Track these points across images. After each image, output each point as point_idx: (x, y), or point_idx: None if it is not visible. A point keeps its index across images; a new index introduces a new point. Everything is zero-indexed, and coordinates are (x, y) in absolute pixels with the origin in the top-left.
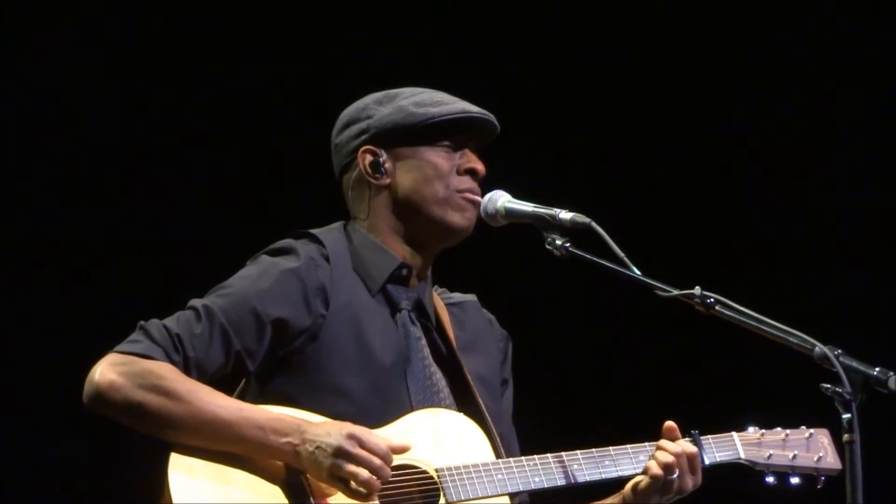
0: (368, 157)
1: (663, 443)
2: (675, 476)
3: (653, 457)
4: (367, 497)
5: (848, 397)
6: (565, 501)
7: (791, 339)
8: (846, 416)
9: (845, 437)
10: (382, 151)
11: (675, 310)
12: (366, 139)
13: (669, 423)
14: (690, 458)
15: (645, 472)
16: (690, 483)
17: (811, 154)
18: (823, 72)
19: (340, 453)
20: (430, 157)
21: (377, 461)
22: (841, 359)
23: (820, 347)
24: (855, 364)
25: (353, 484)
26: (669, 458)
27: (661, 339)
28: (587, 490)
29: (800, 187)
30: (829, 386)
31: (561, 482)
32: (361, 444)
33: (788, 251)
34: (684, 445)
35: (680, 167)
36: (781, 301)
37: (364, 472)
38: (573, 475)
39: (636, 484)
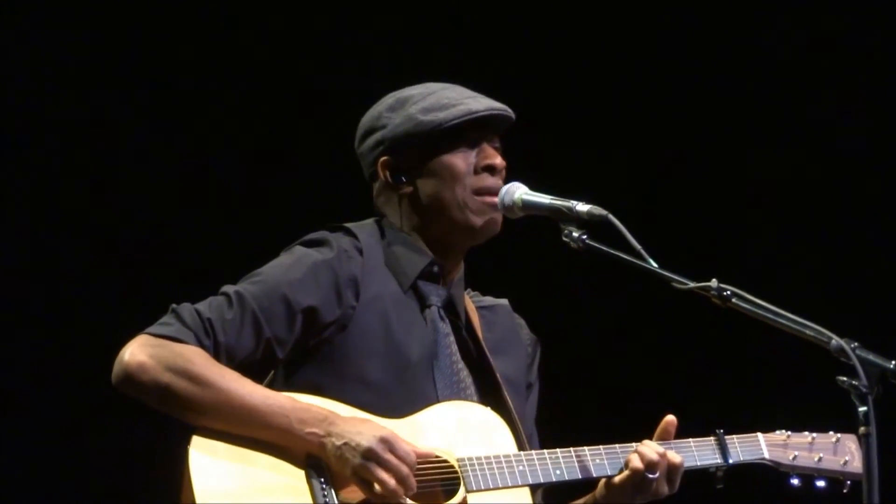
0: (388, 169)
1: (648, 442)
2: (654, 476)
3: (636, 451)
4: (389, 501)
5: (864, 390)
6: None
7: (807, 331)
8: (862, 408)
9: (861, 429)
10: (400, 161)
11: (706, 308)
12: (382, 150)
13: (670, 418)
14: (672, 467)
15: (625, 465)
16: (666, 489)
17: (831, 142)
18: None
19: (370, 456)
20: (445, 160)
21: (405, 470)
22: (857, 351)
23: (836, 340)
24: (871, 357)
25: (377, 488)
26: (654, 456)
27: (691, 338)
28: (563, 490)
29: (817, 176)
30: (845, 379)
31: (581, 476)
32: (392, 450)
33: (803, 242)
34: (670, 453)
35: (698, 159)
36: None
37: (392, 481)
38: (594, 469)
39: (609, 479)
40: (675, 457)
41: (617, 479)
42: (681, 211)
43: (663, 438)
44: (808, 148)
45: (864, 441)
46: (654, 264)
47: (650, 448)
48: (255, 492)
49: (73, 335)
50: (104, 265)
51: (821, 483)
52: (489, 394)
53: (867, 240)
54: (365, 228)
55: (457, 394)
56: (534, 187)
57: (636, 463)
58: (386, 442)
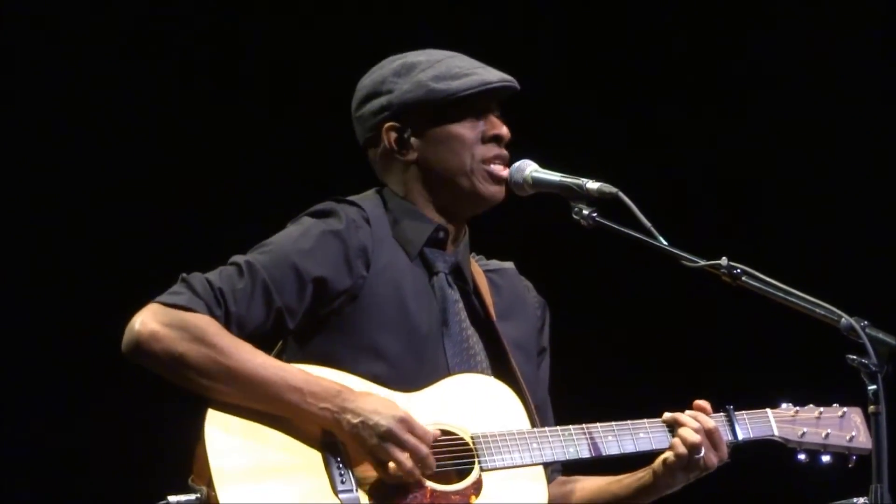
0: (393, 134)
1: (686, 419)
2: (700, 455)
3: (678, 434)
4: (405, 481)
5: (874, 369)
6: (596, 471)
7: (817, 310)
8: (872, 387)
9: (871, 408)
10: (406, 127)
11: (714, 284)
12: (388, 116)
13: (699, 403)
14: (709, 434)
15: (671, 448)
16: (715, 459)
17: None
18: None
19: (389, 437)
20: (453, 129)
21: (424, 449)
22: (867, 330)
23: (846, 318)
24: (881, 335)
25: (394, 469)
26: (695, 438)
27: (699, 313)
28: (621, 459)
29: (830, 157)
30: (855, 357)
31: (594, 453)
32: (411, 430)
33: (816, 222)
34: (703, 419)
35: (708, 136)
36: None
37: (409, 462)
38: (607, 447)
39: (665, 459)
40: (707, 422)
41: (668, 460)
42: (691, 190)
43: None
44: (817, 129)
45: (874, 419)
46: (665, 242)
47: (689, 430)
48: (271, 470)
49: (82, 306)
50: (108, 239)
51: (826, 458)
52: (499, 361)
53: (877, 221)
54: (368, 199)
55: (466, 361)
56: (543, 165)
57: (680, 448)
58: (404, 422)
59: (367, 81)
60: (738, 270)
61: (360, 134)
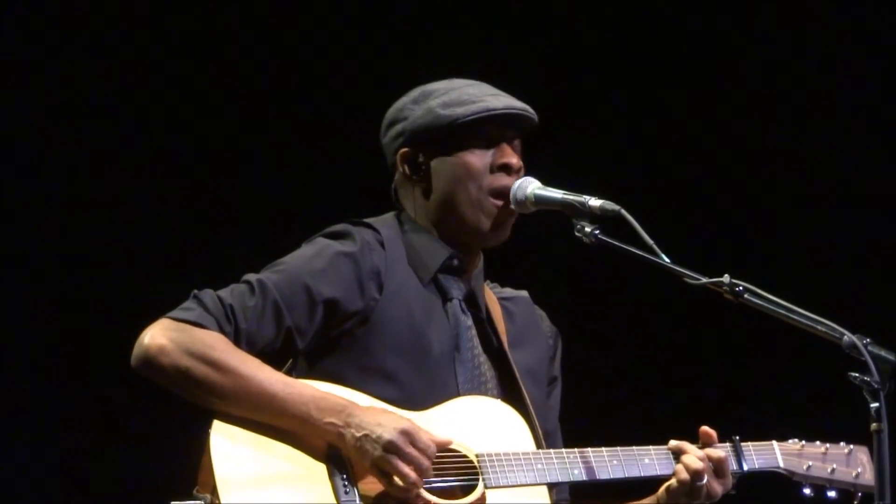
0: (406, 161)
1: (690, 447)
2: (702, 482)
3: (681, 461)
4: (408, 493)
5: (876, 386)
6: (604, 497)
7: (820, 327)
8: (874, 405)
9: (873, 426)
10: (418, 154)
11: (725, 314)
12: (402, 142)
13: (705, 429)
14: (717, 463)
15: (674, 475)
16: (719, 488)
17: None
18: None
19: (391, 448)
20: (462, 157)
21: (426, 462)
22: (869, 347)
23: (848, 336)
24: (883, 353)
25: (397, 481)
26: (698, 465)
27: (710, 344)
28: (627, 487)
29: (833, 173)
30: (857, 375)
31: (598, 476)
32: (413, 442)
33: (818, 240)
34: (710, 451)
35: (712, 153)
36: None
37: (412, 473)
38: (611, 471)
39: (668, 486)
40: (715, 452)
41: (671, 487)
42: (692, 207)
43: (706, 444)
44: (821, 143)
45: (876, 437)
46: (667, 259)
47: (692, 457)
48: (275, 480)
49: (91, 317)
50: (122, 257)
51: (832, 493)
52: (510, 387)
53: (880, 238)
54: (385, 223)
55: (477, 388)
56: (547, 182)
57: (683, 475)
58: (407, 434)
59: (391, 109)
60: (741, 288)
61: (388, 160)
